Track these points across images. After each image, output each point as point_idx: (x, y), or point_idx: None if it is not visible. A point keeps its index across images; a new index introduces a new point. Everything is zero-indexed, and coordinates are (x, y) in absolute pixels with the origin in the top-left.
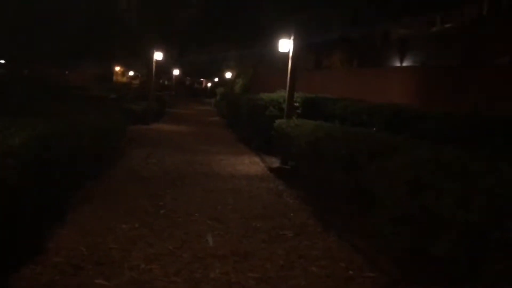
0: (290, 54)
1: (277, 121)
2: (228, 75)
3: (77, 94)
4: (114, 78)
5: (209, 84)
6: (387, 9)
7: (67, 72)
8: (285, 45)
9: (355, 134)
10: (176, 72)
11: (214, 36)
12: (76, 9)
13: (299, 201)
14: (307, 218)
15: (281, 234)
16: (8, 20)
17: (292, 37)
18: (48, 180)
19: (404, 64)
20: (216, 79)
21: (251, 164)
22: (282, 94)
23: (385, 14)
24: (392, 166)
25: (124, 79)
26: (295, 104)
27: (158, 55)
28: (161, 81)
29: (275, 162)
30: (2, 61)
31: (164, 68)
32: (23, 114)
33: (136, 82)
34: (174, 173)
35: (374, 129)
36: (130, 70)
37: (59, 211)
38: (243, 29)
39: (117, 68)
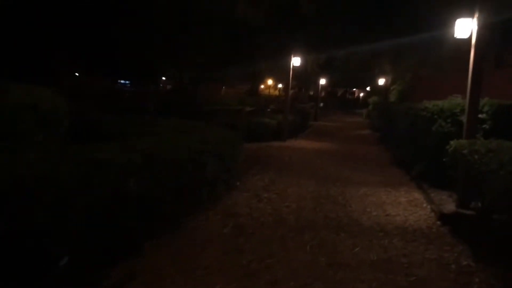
0: (473, 41)
1: (453, 143)
2: (382, 81)
3: (211, 109)
4: (267, 91)
5: (361, 94)
6: None
7: (224, 87)
8: (464, 27)
9: None
10: (322, 81)
11: (365, 38)
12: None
13: None
14: None
15: None
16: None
17: (476, 14)
18: None
19: None
20: (368, 88)
21: (411, 205)
22: (458, 101)
23: None
24: None
25: (276, 92)
26: (480, 116)
27: (296, 61)
28: (311, 92)
29: (447, 202)
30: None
31: (309, 77)
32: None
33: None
34: (292, 221)
35: None
36: (280, 82)
37: None
38: (399, 24)
39: (270, 82)
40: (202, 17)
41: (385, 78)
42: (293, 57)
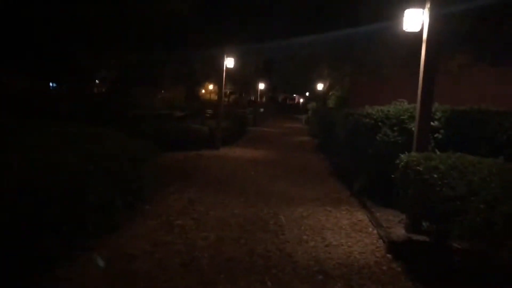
0: (424, 35)
1: (404, 157)
2: (320, 87)
3: (136, 114)
4: (208, 96)
5: (301, 100)
6: None
7: (163, 91)
8: (414, 19)
9: None
10: (262, 86)
11: (304, 40)
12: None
13: None
14: None
15: None
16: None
17: (428, 4)
18: None
19: None
20: (307, 94)
21: (354, 230)
22: (405, 107)
23: None
24: None
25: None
26: (433, 123)
27: (229, 62)
28: (252, 97)
29: (395, 223)
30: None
31: (248, 81)
32: None
33: (228, 99)
34: (205, 262)
35: None
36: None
37: None
38: (337, 25)
39: (211, 87)
40: (131, 11)
41: (323, 83)
42: (227, 57)
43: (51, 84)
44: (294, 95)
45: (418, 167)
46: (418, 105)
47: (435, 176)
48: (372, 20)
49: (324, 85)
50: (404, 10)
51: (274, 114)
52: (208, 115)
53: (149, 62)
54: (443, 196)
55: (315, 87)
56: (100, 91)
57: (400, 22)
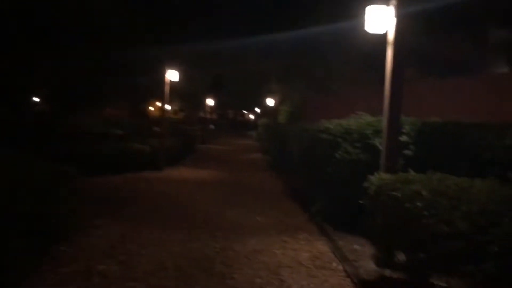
0: (391, 37)
1: (375, 179)
2: (271, 102)
3: (66, 133)
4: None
5: (252, 116)
6: None
7: (112, 109)
8: (378, 18)
9: None
10: (211, 102)
11: (252, 54)
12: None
13: None
14: None
15: None
16: None
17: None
18: None
19: None
20: (257, 110)
21: (316, 266)
22: (368, 120)
23: None
24: None
25: (169, 114)
26: (401, 138)
27: (172, 75)
28: (202, 114)
29: (363, 254)
30: None
31: (197, 97)
32: None
33: (177, 116)
34: None
35: None
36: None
37: None
38: (286, 36)
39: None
40: (62, 20)
41: (273, 98)
42: (168, 70)
43: None
44: (244, 111)
45: (394, 193)
46: (385, 117)
47: (419, 204)
48: (323, 28)
49: (274, 101)
50: (360, 10)
51: (224, 131)
52: (154, 133)
53: (85, 75)
54: (436, 233)
55: (265, 103)
56: (41, 109)
57: (354, 26)
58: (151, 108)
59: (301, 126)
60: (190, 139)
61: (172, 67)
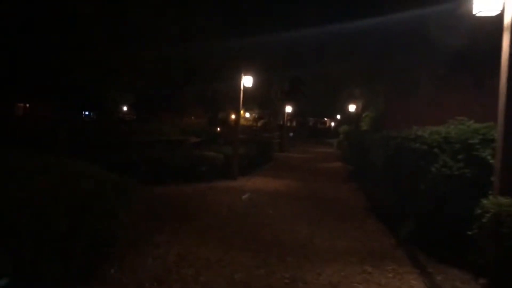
0: (508, 19)
1: (489, 203)
2: (353, 108)
3: (140, 141)
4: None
5: (333, 124)
6: None
7: (193, 117)
8: None
9: None
10: (289, 109)
11: (333, 58)
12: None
13: None
14: None
15: None
16: None
17: None
18: None
19: None
20: (338, 116)
21: None
22: (474, 127)
23: None
24: None
25: (249, 122)
26: None
27: (247, 80)
28: (281, 122)
29: None
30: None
31: (275, 104)
32: None
33: (257, 124)
34: None
35: None
36: (250, 111)
37: None
38: (369, 37)
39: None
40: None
41: (355, 104)
42: (244, 76)
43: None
44: (325, 118)
45: None
46: (499, 124)
47: None
48: (407, 28)
49: (356, 106)
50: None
51: (304, 139)
52: (230, 140)
53: (169, 85)
54: None
55: (346, 109)
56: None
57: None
58: (232, 116)
59: (385, 133)
60: (267, 147)
61: (248, 72)
